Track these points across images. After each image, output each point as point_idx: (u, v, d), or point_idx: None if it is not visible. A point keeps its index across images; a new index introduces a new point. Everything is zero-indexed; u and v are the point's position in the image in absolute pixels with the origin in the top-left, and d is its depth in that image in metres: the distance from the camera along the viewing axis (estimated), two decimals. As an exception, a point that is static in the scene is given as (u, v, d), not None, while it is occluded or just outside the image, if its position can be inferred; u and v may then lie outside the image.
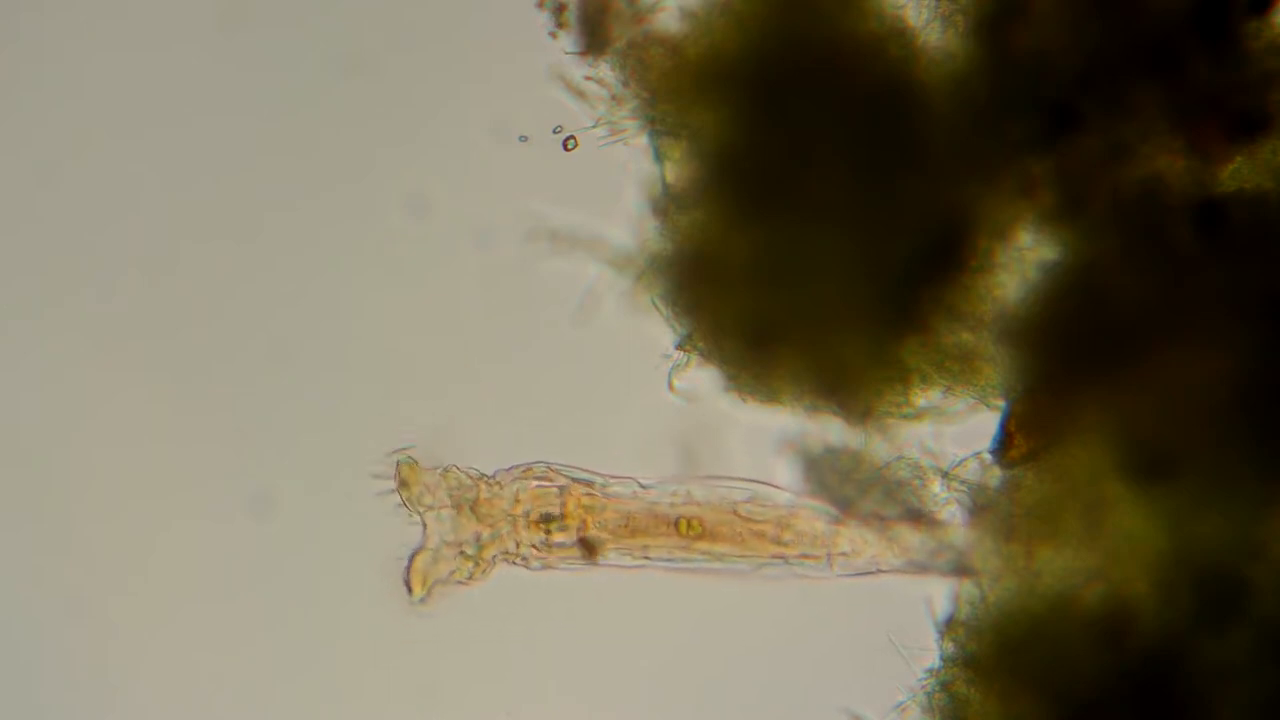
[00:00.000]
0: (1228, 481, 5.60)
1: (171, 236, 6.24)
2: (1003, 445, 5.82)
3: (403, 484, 5.98)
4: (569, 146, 5.94)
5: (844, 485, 5.93)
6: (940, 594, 5.86)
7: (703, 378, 5.92)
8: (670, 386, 5.95)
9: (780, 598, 6.05)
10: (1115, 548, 5.65)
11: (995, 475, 5.83)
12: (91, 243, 6.24)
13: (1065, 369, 5.70)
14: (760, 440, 5.99)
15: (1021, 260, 5.74)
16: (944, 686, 5.76)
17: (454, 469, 6.02)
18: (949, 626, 5.80)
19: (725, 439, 6.04)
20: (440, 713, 6.11)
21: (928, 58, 5.72)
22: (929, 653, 5.80)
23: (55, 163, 6.25)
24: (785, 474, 5.99)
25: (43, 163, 6.25)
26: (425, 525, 5.99)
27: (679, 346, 5.90)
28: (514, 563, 6.01)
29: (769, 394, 5.85)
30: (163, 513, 6.19)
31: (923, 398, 5.82)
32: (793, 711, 5.98)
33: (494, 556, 6.00)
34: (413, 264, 6.18)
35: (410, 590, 5.97)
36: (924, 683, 5.78)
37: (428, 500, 5.97)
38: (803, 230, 5.71)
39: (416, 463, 6.00)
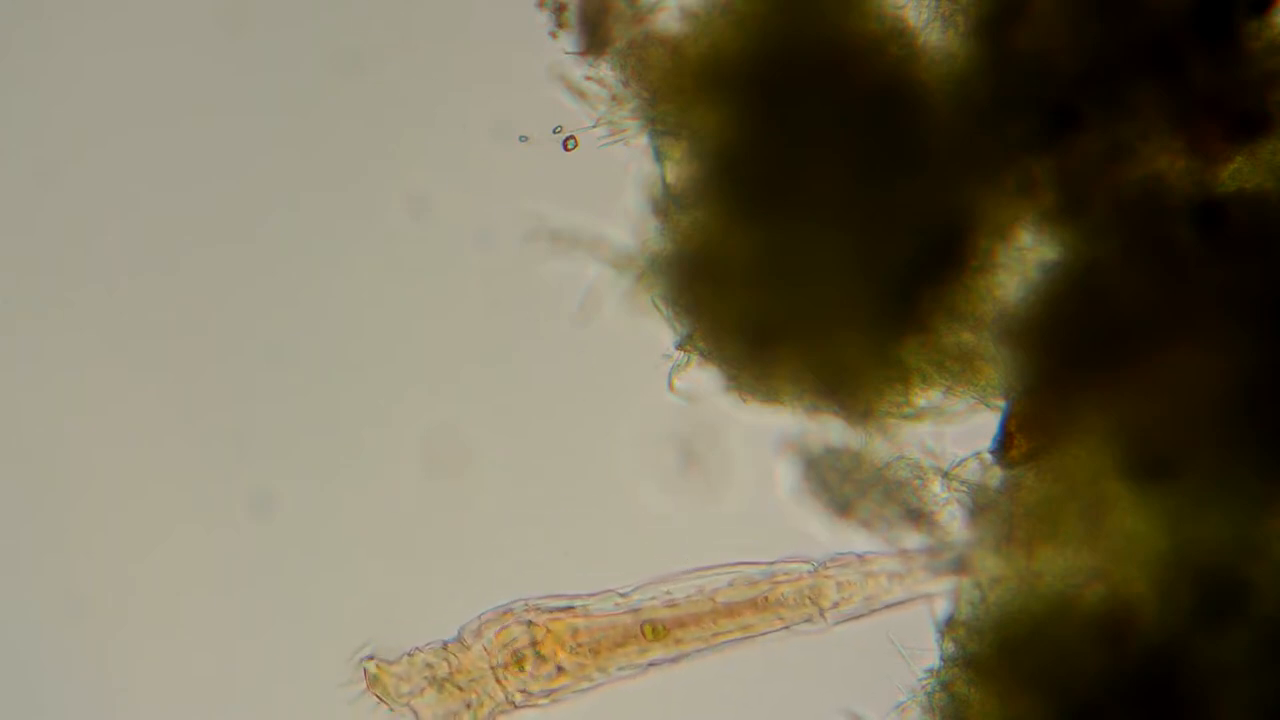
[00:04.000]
0: (1228, 481, 5.60)
1: (171, 236, 6.24)
2: (1003, 445, 5.82)
3: (375, 684, 5.96)
4: (569, 146, 5.94)
5: (844, 485, 5.93)
6: (940, 594, 5.87)
7: (703, 378, 5.92)
8: (670, 386, 5.95)
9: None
10: (1115, 548, 5.65)
11: (995, 475, 5.83)
12: (91, 243, 6.25)
13: (1066, 369, 5.70)
14: (760, 440, 6.00)
15: (1021, 260, 5.74)
16: (944, 686, 5.76)
17: (417, 651, 6.00)
18: (949, 626, 5.80)
19: (725, 439, 6.04)
20: (440, 713, 6.13)
21: (928, 58, 5.72)
22: (929, 652, 5.81)
23: (55, 163, 6.26)
24: (753, 555, 6.00)
25: (43, 163, 6.26)
26: (415, 713, 5.98)
27: (679, 346, 5.91)
28: (515, 707, 5.99)
29: (769, 394, 5.85)
30: (163, 513, 6.20)
31: (923, 398, 5.82)
32: (793, 711, 5.98)
33: (490, 714, 5.98)
34: (413, 264, 6.19)
35: None
36: (924, 683, 5.78)
37: (405, 689, 5.96)
38: (803, 230, 5.71)
39: (380, 660, 5.98)
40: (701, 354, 5.88)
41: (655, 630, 5.92)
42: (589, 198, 5.97)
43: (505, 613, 5.96)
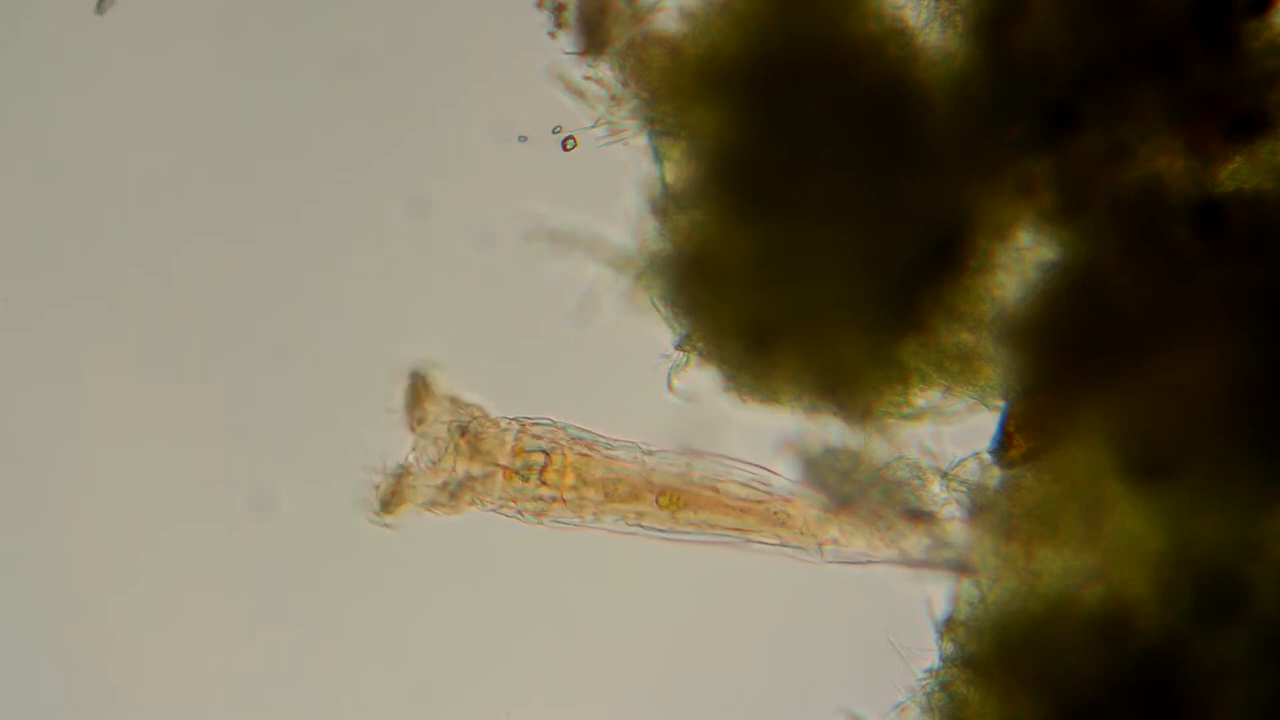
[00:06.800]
0: (1227, 481, 5.59)
1: (172, 236, 6.25)
2: (1002, 445, 5.82)
3: (414, 396, 5.96)
4: (568, 147, 5.95)
5: (844, 485, 5.93)
6: (939, 594, 5.87)
7: (702, 378, 5.92)
8: (670, 387, 5.96)
9: (779, 597, 6.06)
10: (1115, 548, 5.65)
11: (995, 475, 5.84)
12: (91, 243, 6.25)
13: (1065, 369, 5.70)
14: (760, 440, 6.00)
15: (1021, 260, 5.74)
16: (943, 686, 5.76)
17: (464, 401, 5.99)
18: (948, 626, 5.80)
19: (725, 439, 6.04)
20: (438, 713, 6.13)
21: (927, 58, 5.72)
22: (928, 653, 5.81)
23: (55, 163, 6.26)
24: (785, 471, 6.01)
25: (43, 163, 6.26)
26: (416, 445, 5.97)
27: (678, 346, 5.91)
28: (487, 508, 5.99)
29: (768, 394, 5.85)
30: (163, 513, 6.20)
31: (922, 398, 5.82)
32: (791, 711, 5.98)
33: (471, 498, 5.97)
34: (413, 264, 6.19)
35: (380, 504, 5.96)
36: (923, 683, 5.78)
37: (429, 421, 5.95)
38: (802, 230, 5.71)
39: (433, 381, 5.98)
40: (700, 354, 5.88)
41: (669, 500, 5.93)
42: (588, 198, 5.98)
43: (555, 428, 5.98)
